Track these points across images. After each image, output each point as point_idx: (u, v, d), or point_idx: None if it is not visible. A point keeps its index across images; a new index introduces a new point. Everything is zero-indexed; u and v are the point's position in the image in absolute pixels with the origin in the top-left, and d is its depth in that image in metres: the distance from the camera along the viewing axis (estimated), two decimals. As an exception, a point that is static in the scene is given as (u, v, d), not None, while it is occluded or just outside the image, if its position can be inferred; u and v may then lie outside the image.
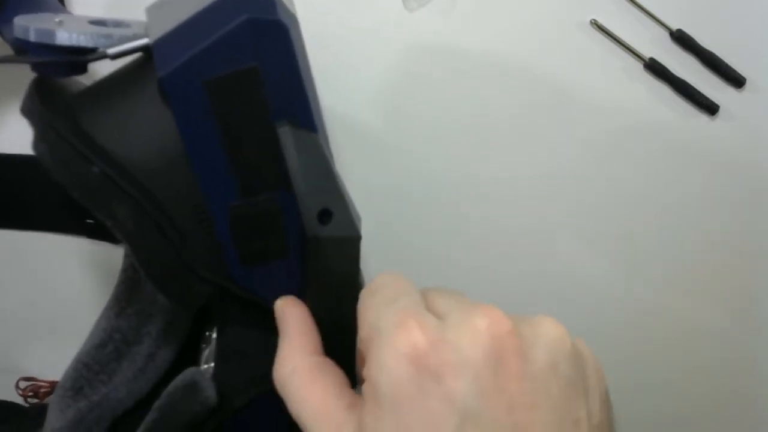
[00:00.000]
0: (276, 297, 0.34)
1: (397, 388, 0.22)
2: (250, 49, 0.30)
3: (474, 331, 0.23)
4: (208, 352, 0.38)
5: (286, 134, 0.31)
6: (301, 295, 0.34)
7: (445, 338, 0.23)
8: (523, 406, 0.22)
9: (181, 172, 0.32)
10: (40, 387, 0.48)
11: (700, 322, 0.51)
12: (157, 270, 0.33)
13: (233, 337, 0.37)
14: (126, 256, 0.40)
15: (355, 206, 0.32)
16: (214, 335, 0.38)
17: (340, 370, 0.28)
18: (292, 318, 0.30)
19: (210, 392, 0.35)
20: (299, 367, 0.27)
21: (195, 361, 0.39)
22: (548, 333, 0.24)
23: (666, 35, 0.47)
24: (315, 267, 0.30)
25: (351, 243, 0.30)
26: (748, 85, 0.47)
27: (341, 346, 0.29)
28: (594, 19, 0.47)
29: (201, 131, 0.31)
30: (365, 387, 0.24)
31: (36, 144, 0.33)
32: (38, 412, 0.42)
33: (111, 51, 0.33)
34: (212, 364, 0.37)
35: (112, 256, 0.49)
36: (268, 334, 0.36)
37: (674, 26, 0.47)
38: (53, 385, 0.48)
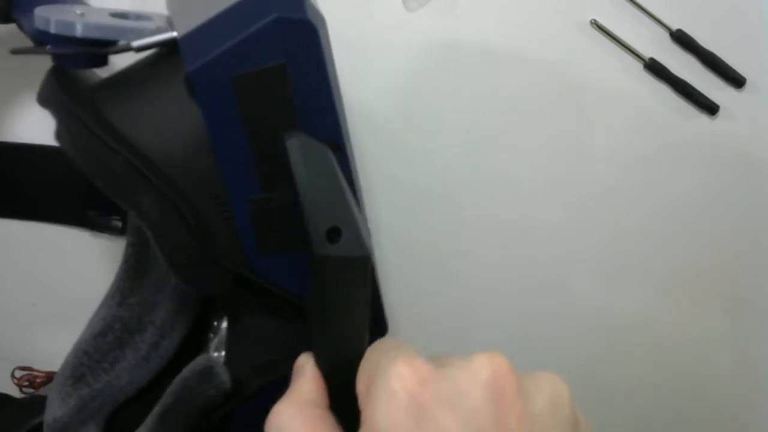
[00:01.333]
0: (295, 287, 0.35)
1: (394, 426, 0.22)
2: (279, 47, 0.31)
3: (473, 369, 0.23)
4: (217, 341, 0.39)
5: (294, 147, 0.31)
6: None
7: (442, 376, 0.23)
8: None
9: (204, 164, 0.33)
10: (36, 377, 0.48)
11: (698, 321, 0.51)
12: (181, 259, 0.33)
13: (246, 325, 0.37)
14: (128, 245, 0.41)
15: (366, 222, 0.31)
16: (224, 324, 0.38)
17: (340, 427, 0.27)
18: (309, 371, 0.30)
19: (225, 377, 0.35)
20: (300, 416, 0.27)
21: (198, 351, 0.39)
22: (549, 380, 0.24)
23: (666, 35, 0.48)
24: (323, 287, 0.30)
25: (360, 263, 0.29)
26: (748, 85, 0.47)
27: (346, 397, 0.27)
28: (594, 19, 0.47)
29: (227, 125, 0.32)
30: (363, 429, 0.23)
31: (59, 133, 0.33)
32: (30, 403, 0.42)
33: (136, 44, 0.33)
34: (223, 353, 0.38)
35: (112, 247, 0.49)
36: (282, 321, 0.37)
37: (674, 26, 0.47)
38: (49, 375, 0.48)
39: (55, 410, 0.37)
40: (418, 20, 0.47)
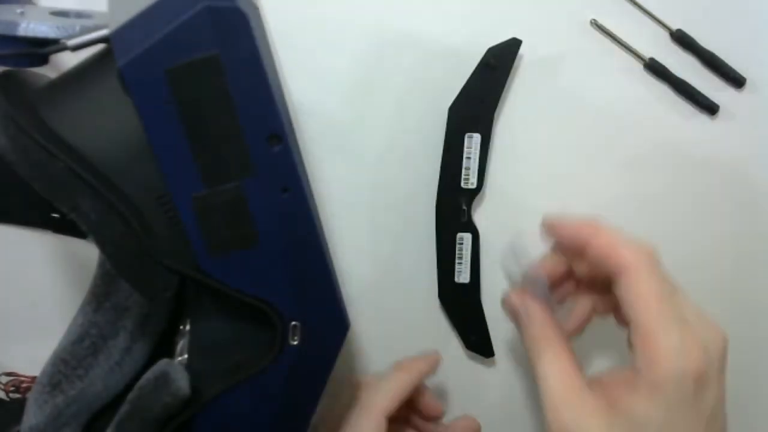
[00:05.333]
0: (246, 286, 0.35)
1: (683, 390, 0.29)
2: (210, 37, 0.30)
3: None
4: (182, 344, 0.38)
5: None
6: (272, 283, 0.35)
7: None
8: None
9: (145, 163, 0.33)
10: (22, 382, 0.48)
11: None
12: (122, 260, 0.33)
13: (206, 329, 0.37)
14: None
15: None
16: (188, 327, 0.38)
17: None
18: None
19: (182, 383, 0.35)
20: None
21: (172, 355, 0.38)
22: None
23: (666, 35, 0.48)
24: None
25: None
26: (748, 85, 0.47)
27: None
28: (594, 19, 0.47)
29: (162, 121, 0.31)
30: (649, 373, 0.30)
31: None
32: (18, 407, 0.41)
33: (71, 42, 0.33)
34: (186, 356, 0.38)
35: (91, 249, 0.48)
36: (240, 324, 0.37)
37: (674, 26, 0.47)
38: (35, 380, 0.47)
39: (30, 418, 0.37)
40: (418, 19, 0.47)
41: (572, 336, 0.39)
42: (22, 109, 0.33)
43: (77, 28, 0.33)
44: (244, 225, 0.33)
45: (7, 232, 0.47)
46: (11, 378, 0.48)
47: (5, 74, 0.35)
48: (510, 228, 0.50)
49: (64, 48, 0.33)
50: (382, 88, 0.48)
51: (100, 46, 0.34)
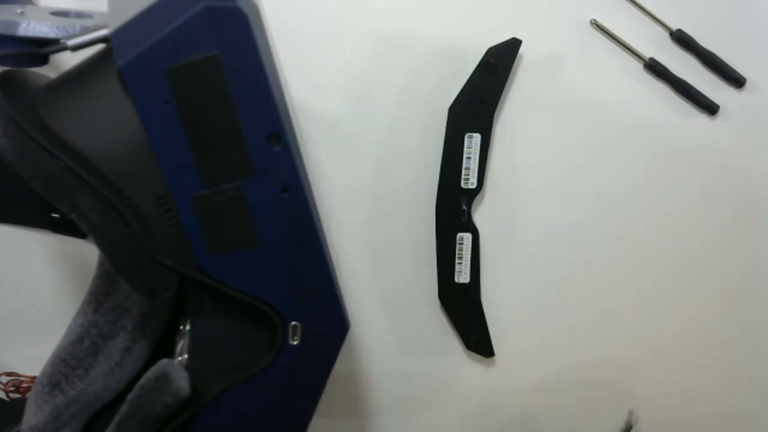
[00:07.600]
0: (248, 286, 0.35)
1: None
2: (210, 37, 0.31)
3: None
4: (182, 344, 0.38)
5: None
6: (272, 283, 0.35)
7: None
8: None
9: (145, 163, 0.33)
10: (22, 382, 0.48)
11: (697, 318, 0.51)
12: (122, 260, 0.33)
13: (206, 328, 0.37)
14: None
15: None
16: (188, 327, 0.38)
17: None
18: None
19: (182, 383, 0.35)
20: None
21: (172, 355, 0.39)
22: None
23: (666, 35, 0.48)
24: None
25: None
26: (748, 85, 0.47)
27: None
28: (594, 19, 0.47)
29: (162, 120, 0.32)
30: None
31: None
32: (18, 407, 0.41)
33: (71, 42, 0.33)
34: (186, 356, 0.38)
35: (91, 249, 0.48)
36: (240, 324, 0.37)
37: (674, 26, 0.47)
38: (35, 380, 0.47)
39: (30, 418, 0.37)
40: (416, 19, 0.47)
41: None
42: (22, 109, 0.33)
43: (77, 28, 0.33)
44: (244, 225, 0.33)
45: (7, 232, 0.47)
46: (11, 378, 0.47)
47: (5, 74, 0.35)
48: (510, 228, 0.50)
49: (64, 48, 0.33)
50: (382, 88, 0.48)
51: (100, 46, 0.34)
